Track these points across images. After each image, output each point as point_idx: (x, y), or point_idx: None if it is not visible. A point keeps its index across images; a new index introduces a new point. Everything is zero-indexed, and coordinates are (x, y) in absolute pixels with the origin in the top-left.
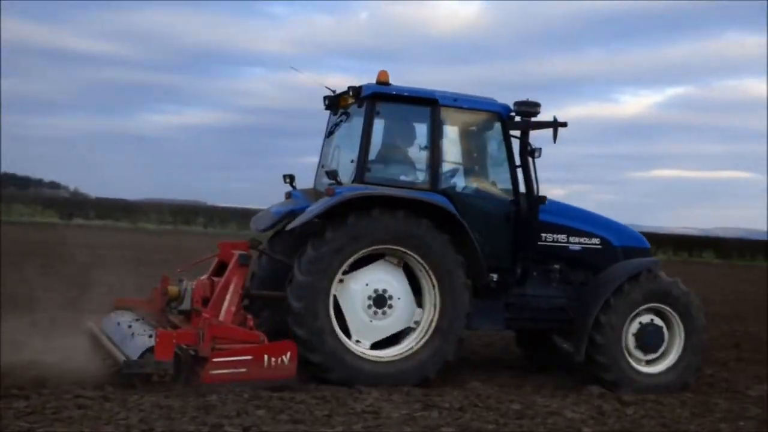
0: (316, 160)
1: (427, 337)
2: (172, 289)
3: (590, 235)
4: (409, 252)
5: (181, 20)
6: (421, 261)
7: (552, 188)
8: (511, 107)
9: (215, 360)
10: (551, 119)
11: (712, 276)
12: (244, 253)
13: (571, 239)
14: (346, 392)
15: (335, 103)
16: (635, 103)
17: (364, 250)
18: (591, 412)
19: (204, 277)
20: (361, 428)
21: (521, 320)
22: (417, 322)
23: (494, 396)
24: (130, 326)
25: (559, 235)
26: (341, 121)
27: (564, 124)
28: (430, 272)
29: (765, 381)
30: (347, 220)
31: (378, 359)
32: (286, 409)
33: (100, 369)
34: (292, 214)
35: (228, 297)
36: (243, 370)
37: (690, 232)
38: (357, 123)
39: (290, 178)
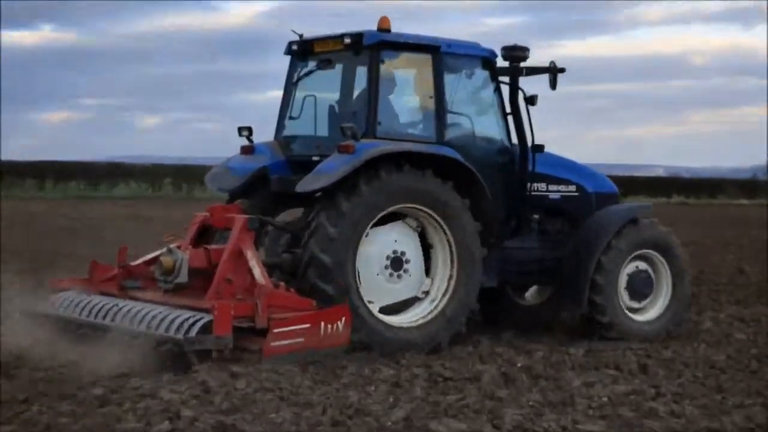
0: None
1: (441, 307)
2: (167, 260)
3: (567, 183)
4: (435, 216)
5: None
6: (445, 228)
7: (148, 117)
8: (496, 52)
9: (276, 331)
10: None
11: None
12: (253, 217)
13: (551, 188)
14: None
15: (306, 49)
16: (239, 13)
17: (393, 207)
18: (194, 390)
19: (179, 244)
20: None
21: (514, 273)
22: (425, 293)
23: (72, 381)
24: (134, 305)
25: (540, 184)
26: (317, 68)
27: (562, 70)
28: (451, 241)
29: None
30: (380, 176)
31: (396, 325)
32: None
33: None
34: (265, 171)
35: (254, 264)
36: (300, 339)
37: None
38: (346, 72)
39: (248, 131)
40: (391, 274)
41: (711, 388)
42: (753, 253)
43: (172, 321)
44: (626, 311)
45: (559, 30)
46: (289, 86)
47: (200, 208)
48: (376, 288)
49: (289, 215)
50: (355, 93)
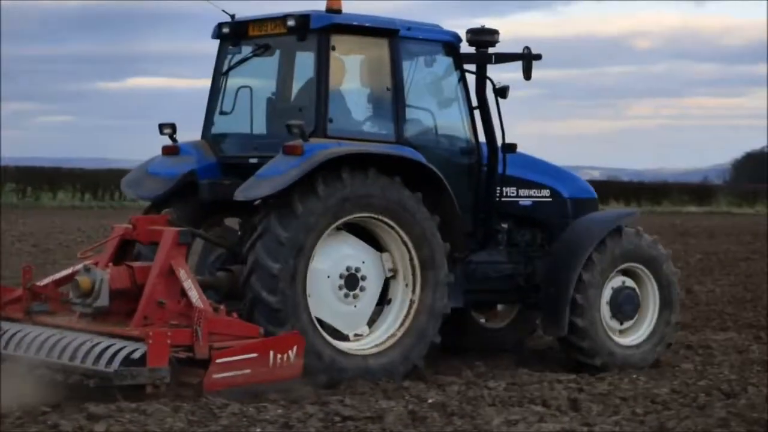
0: None
1: (408, 323)
2: (84, 280)
3: (540, 187)
4: (395, 226)
5: None
6: (406, 239)
7: None
8: (460, 36)
9: (219, 362)
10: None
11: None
12: (185, 230)
13: (521, 192)
14: None
15: (239, 31)
16: None
17: (352, 217)
18: None
19: (95, 261)
20: None
21: (480, 292)
22: (357, 336)
23: None
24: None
25: (509, 189)
26: (253, 54)
27: (538, 57)
28: (413, 252)
29: None
30: (341, 177)
31: (362, 352)
32: None
33: None
34: (192, 175)
35: (190, 284)
36: (247, 371)
37: None
38: (288, 60)
39: (171, 129)
40: (346, 295)
41: (652, 426)
42: (702, 270)
43: (102, 352)
44: (609, 333)
45: (476, 6)
46: (218, 76)
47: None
48: (329, 313)
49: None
50: (300, 84)
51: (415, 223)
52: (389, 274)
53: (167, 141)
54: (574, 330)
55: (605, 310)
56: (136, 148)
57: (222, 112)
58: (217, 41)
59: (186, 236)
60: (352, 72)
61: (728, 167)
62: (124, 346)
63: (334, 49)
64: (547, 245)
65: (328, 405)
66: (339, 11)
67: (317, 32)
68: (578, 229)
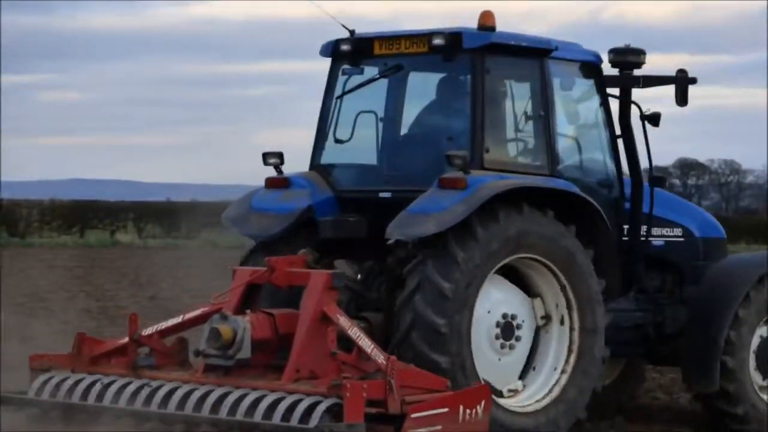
0: None
1: (568, 375)
2: (226, 329)
3: (672, 225)
4: (555, 269)
5: None
6: (566, 284)
7: None
8: (600, 56)
9: (414, 416)
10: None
11: None
12: (339, 272)
13: (654, 231)
14: None
15: (361, 49)
16: None
17: (514, 257)
18: None
19: (218, 308)
20: None
21: (615, 344)
22: (512, 392)
23: None
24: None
25: (642, 227)
26: (381, 76)
27: (693, 81)
28: (572, 299)
29: None
30: (522, 211)
31: (522, 409)
32: None
33: None
34: (311, 211)
35: (358, 332)
36: (438, 427)
37: None
38: (423, 82)
39: (278, 158)
40: (502, 346)
41: None
42: None
43: (280, 407)
44: (758, 392)
45: None
46: (332, 99)
47: None
48: (488, 364)
49: None
50: (442, 110)
51: (577, 268)
52: (541, 323)
53: None
54: (722, 392)
55: (752, 361)
56: None
57: (337, 141)
58: (329, 59)
59: (340, 280)
60: (503, 96)
61: None
62: (301, 400)
63: (488, 71)
64: (678, 291)
65: None
66: (493, 29)
67: (471, 52)
68: (725, 271)
